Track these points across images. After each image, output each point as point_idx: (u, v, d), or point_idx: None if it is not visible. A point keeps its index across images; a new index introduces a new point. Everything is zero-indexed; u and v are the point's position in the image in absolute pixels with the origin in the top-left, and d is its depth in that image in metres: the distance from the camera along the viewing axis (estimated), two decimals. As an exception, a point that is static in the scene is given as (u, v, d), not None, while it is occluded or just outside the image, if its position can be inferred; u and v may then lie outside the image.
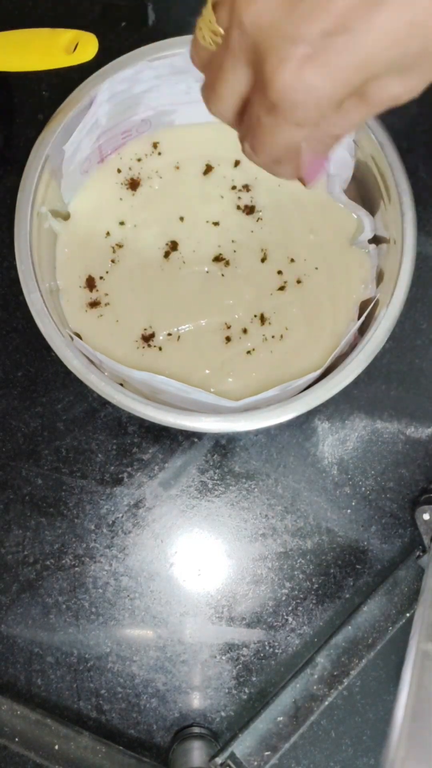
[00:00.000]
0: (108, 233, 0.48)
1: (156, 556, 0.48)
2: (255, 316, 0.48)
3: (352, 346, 0.45)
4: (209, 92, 0.28)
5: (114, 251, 0.48)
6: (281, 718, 0.43)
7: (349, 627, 0.45)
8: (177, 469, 0.49)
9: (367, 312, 0.46)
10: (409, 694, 0.33)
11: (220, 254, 0.48)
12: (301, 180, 0.31)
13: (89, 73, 0.44)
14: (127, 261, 0.48)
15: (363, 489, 0.49)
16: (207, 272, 0.48)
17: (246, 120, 0.27)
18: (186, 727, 0.47)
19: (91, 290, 0.48)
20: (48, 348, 0.43)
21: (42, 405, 0.49)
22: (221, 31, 0.26)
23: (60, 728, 0.44)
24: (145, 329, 0.47)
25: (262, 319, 0.48)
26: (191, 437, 0.49)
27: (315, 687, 0.43)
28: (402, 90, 0.25)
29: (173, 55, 0.45)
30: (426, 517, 0.46)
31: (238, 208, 0.49)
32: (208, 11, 0.26)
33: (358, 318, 0.47)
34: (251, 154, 0.28)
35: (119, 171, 0.49)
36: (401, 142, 0.45)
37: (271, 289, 0.48)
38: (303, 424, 0.49)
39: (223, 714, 0.47)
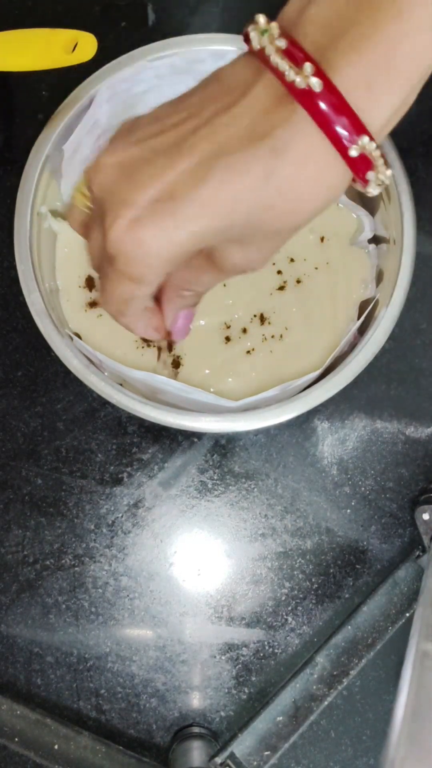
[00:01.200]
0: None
1: (156, 556, 0.48)
2: (255, 315, 0.48)
3: (352, 346, 0.45)
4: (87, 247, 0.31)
5: (114, 251, 0.48)
6: (281, 718, 0.43)
7: (349, 627, 0.45)
8: (177, 469, 0.49)
9: (367, 312, 0.46)
10: (409, 694, 0.33)
11: (220, 254, 0.48)
12: (170, 335, 0.33)
13: (89, 73, 0.44)
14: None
15: (363, 489, 0.49)
16: (207, 272, 0.48)
17: (100, 272, 0.30)
18: (186, 726, 0.47)
19: (90, 290, 0.48)
20: (48, 348, 0.43)
21: (42, 405, 0.49)
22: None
23: (60, 728, 0.44)
24: (144, 329, 0.47)
25: (262, 319, 0.48)
26: (191, 437, 0.49)
27: (315, 687, 0.44)
28: (243, 260, 0.28)
29: (173, 55, 0.45)
30: (426, 517, 0.46)
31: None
32: (81, 179, 0.29)
33: (358, 318, 0.47)
34: (103, 305, 0.31)
35: (119, 171, 0.49)
36: (401, 142, 0.45)
37: (270, 289, 0.48)
38: (303, 424, 0.49)
39: (222, 714, 0.47)
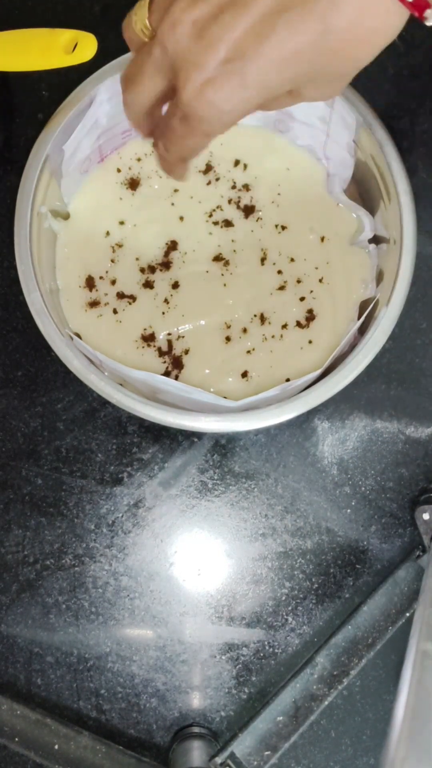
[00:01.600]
0: (108, 233, 0.49)
1: (156, 555, 0.48)
2: (255, 315, 0.48)
3: (352, 346, 0.45)
4: (128, 84, 0.32)
5: (114, 251, 0.48)
6: (281, 718, 0.43)
7: (349, 627, 0.45)
8: (177, 469, 0.49)
9: (367, 312, 0.46)
10: (409, 694, 0.33)
11: (220, 254, 0.48)
12: None
13: (89, 73, 0.44)
14: (126, 261, 0.48)
15: (363, 489, 0.49)
16: (207, 272, 0.48)
17: (162, 123, 0.31)
18: (186, 726, 0.47)
19: (90, 290, 0.48)
20: (48, 348, 0.43)
21: (42, 405, 0.49)
22: (150, 29, 0.30)
23: (60, 728, 0.44)
24: (144, 329, 0.48)
25: (262, 318, 0.48)
26: (191, 437, 0.49)
27: (315, 687, 0.44)
28: (317, 94, 0.30)
29: (173, 55, 0.45)
30: (426, 516, 0.46)
31: (238, 207, 0.49)
32: (142, 8, 0.31)
33: (358, 318, 0.47)
34: (163, 153, 0.33)
35: (119, 171, 0.49)
36: (401, 142, 0.45)
37: (270, 288, 0.48)
38: (303, 423, 0.49)
39: (222, 714, 0.47)
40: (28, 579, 0.48)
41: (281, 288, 0.48)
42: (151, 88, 0.31)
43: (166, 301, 0.48)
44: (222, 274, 0.48)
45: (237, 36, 0.27)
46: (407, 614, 0.45)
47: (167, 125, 0.31)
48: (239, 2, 0.27)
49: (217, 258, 0.48)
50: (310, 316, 0.48)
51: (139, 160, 0.49)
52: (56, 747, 0.43)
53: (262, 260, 0.48)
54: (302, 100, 0.31)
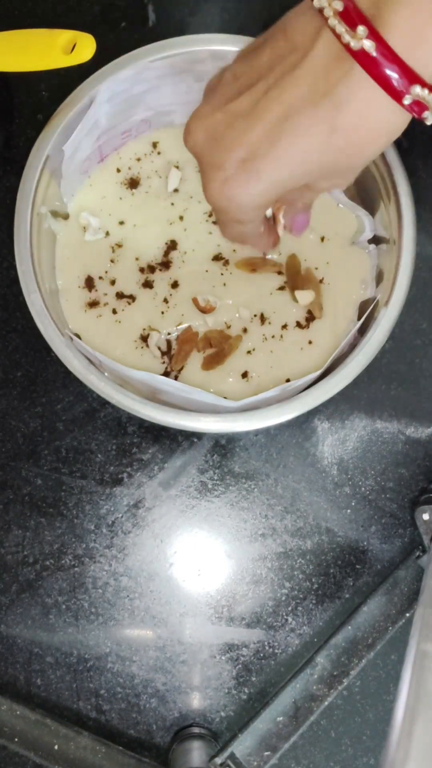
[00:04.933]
0: (107, 233, 0.49)
1: (156, 556, 0.48)
2: (255, 315, 0.48)
3: (352, 347, 0.45)
4: None
5: (113, 251, 0.48)
6: (281, 718, 0.43)
7: (349, 627, 0.45)
8: (177, 469, 0.49)
9: (368, 313, 0.46)
10: (409, 694, 0.33)
11: (220, 253, 0.48)
12: (290, 232, 0.41)
13: (89, 73, 0.44)
14: (126, 261, 0.48)
15: (363, 489, 0.49)
16: (206, 272, 0.48)
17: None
18: (186, 727, 0.47)
19: (90, 290, 0.48)
20: (48, 348, 0.43)
21: (42, 405, 0.49)
22: None
23: (60, 728, 0.44)
24: (144, 329, 0.47)
25: (262, 318, 0.48)
26: (191, 437, 0.49)
27: (315, 687, 0.43)
28: (330, 186, 0.33)
29: (173, 56, 0.45)
30: (426, 517, 0.46)
31: (238, 208, 0.49)
32: None
33: (359, 318, 0.47)
34: (226, 238, 0.37)
35: (119, 171, 0.49)
36: (401, 142, 0.45)
37: (270, 288, 0.48)
38: (303, 424, 0.49)
39: (222, 714, 0.47)
40: (27, 579, 0.48)
41: (281, 288, 0.48)
42: None
43: (165, 300, 0.48)
44: (222, 274, 0.48)
45: (251, 139, 0.30)
46: (407, 614, 0.45)
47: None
48: (253, 111, 0.30)
49: (217, 257, 0.48)
50: (310, 317, 0.48)
51: (138, 160, 0.49)
52: (56, 747, 0.43)
53: (262, 260, 0.48)
54: (317, 191, 0.34)
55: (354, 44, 0.26)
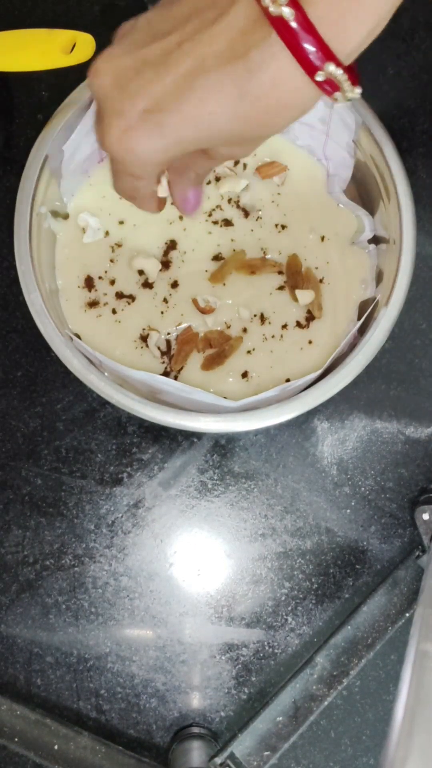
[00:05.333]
0: (107, 233, 0.49)
1: (155, 556, 0.48)
2: (255, 315, 0.48)
3: (352, 347, 0.45)
4: None
5: (113, 251, 0.48)
6: (281, 718, 0.43)
7: (349, 627, 0.45)
8: (176, 469, 0.49)
9: (368, 313, 0.46)
10: (409, 694, 0.33)
11: (220, 253, 0.48)
12: (180, 209, 0.37)
13: (89, 73, 0.44)
14: (126, 260, 0.48)
15: (362, 489, 0.49)
16: (206, 271, 0.48)
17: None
18: (185, 727, 0.47)
19: (90, 290, 0.48)
20: (48, 348, 0.43)
21: (42, 405, 0.49)
22: None
23: (60, 728, 0.44)
24: (143, 329, 0.48)
25: (262, 318, 0.48)
26: (191, 437, 0.49)
27: (314, 687, 0.43)
28: (229, 155, 0.32)
29: (173, 55, 0.45)
30: (425, 517, 0.46)
31: (238, 207, 0.49)
32: None
33: (359, 319, 0.47)
34: (117, 192, 0.35)
35: (119, 171, 0.49)
36: (401, 142, 0.45)
37: (270, 288, 0.48)
38: (302, 424, 0.49)
39: (222, 714, 0.47)
40: (27, 579, 0.48)
41: (281, 288, 0.48)
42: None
43: (165, 300, 0.48)
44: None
45: (157, 90, 0.28)
46: (407, 614, 0.45)
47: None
48: (163, 60, 0.28)
49: (217, 257, 0.48)
50: (310, 317, 0.48)
51: (138, 160, 0.49)
52: (56, 747, 0.43)
53: (262, 260, 0.48)
54: (215, 159, 0.33)
55: (273, 9, 0.25)
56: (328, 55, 0.26)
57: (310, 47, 0.26)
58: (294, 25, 0.25)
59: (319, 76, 0.26)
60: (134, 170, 0.31)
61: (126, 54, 0.29)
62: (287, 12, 0.25)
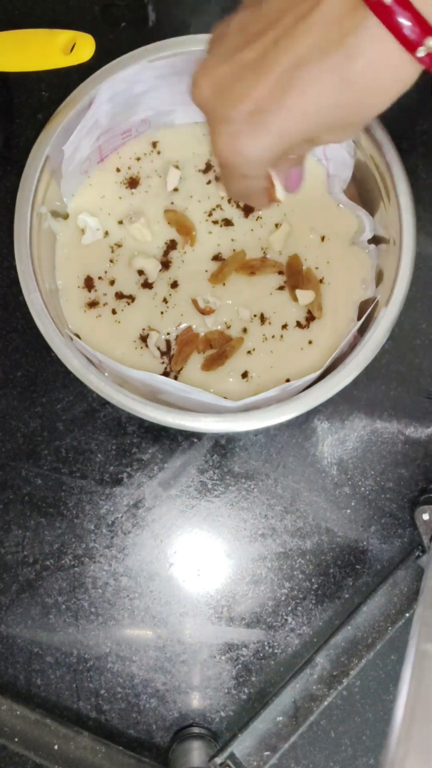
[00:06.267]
0: (107, 233, 0.49)
1: (155, 556, 0.48)
2: (255, 315, 0.48)
3: (352, 347, 0.45)
4: None
5: (113, 251, 0.48)
6: (281, 718, 0.43)
7: (349, 627, 0.45)
8: (176, 469, 0.49)
9: (368, 313, 0.46)
10: (409, 694, 0.33)
11: (220, 253, 0.48)
12: (284, 188, 0.38)
13: (89, 73, 0.44)
14: (125, 261, 0.48)
15: (362, 489, 0.49)
16: (206, 271, 0.48)
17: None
18: (185, 727, 0.47)
19: (89, 290, 0.48)
20: (48, 348, 0.43)
21: (42, 405, 0.49)
22: None
23: (60, 728, 0.44)
24: (143, 329, 0.48)
25: (262, 318, 0.48)
26: (191, 437, 0.49)
27: (314, 687, 0.43)
28: (334, 139, 0.32)
29: (173, 56, 0.45)
30: (425, 517, 0.46)
31: (238, 207, 0.49)
32: None
33: (359, 319, 0.47)
34: (230, 196, 0.37)
35: (118, 170, 0.49)
36: (401, 142, 0.45)
37: (270, 288, 0.48)
38: (302, 424, 0.49)
39: (222, 714, 0.47)
40: (27, 579, 0.48)
41: (281, 288, 0.48)
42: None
43: (165, 300, 0.48)
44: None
45: (259, 92, 0.29)
46: (407, 614, 0.45)
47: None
48: (261, 61, 0.29)
49: (217, 257, 0.48)
50: (310, 317, 0.48)
51: (138, 159, 0.49)
52: (56, 747, 0.43)
53: (262, 260, 0.48)
54: (319, 144, 0.33)
55: None
56: (425, 28, 0.26)
57: (407, 23, 0.26)
58: (389, 2, 0.25)
59: (421, 52, 0.26)
60: (245, 170, 0.32)
61: (222, 62, 0.30)
62: None
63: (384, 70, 0.27)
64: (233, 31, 0.31)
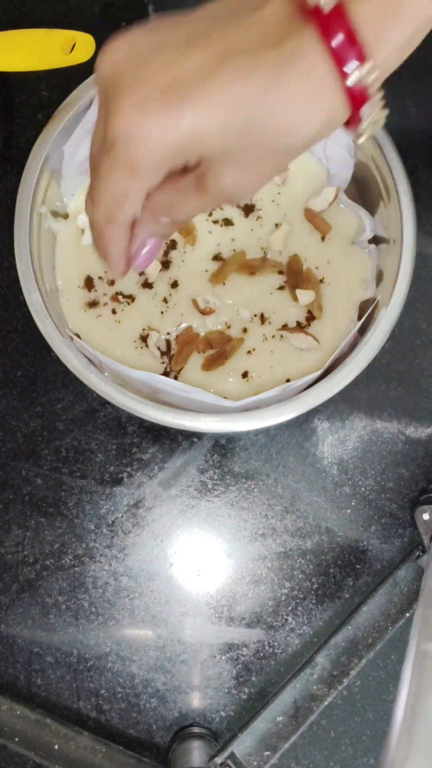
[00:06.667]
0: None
1: (156, 556, 0.48)
2: (255, 315, 0.48)
3: (352, 347, 0.45)
4: None
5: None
6: (281, 718, 0.43)
7: (349, 627, 0.45)
8: (177, 469, 0.49)
9: (368, 313, 0.46)
10: (409, 694, 0.33)
11: (220, 253, 0.48)
12: (130, 261, 0.32)
13: (89, 73, 0.44)
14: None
15: (363, 489, 0.49)
16: (206, 271, 0.48)
17: (93, 170, 0.29)
18: (186, 726, 0.47)
19: (89, 290, 0.48)
20: (48, 348, 0.43)
21: (42, 405, 0.49)
22: None
23: (60, 728, 0.44)
24: (143, 329, 0.48)
25: (262, 318, 0.48)
26: (191, 437, 0.49)
27: (315, 687, 0.43)
28: (233, 183, 0.28)
29: (173, 55, 0.45)
30: (426, 517, 0.46)
31: (238, 206, 0.49)
32: None
33: (359, 319, 0.47)
34: (90, 207, 0.30)
35: (119, 171, 0.49)
36: (401, 142, 0.45)
37: (271, 288, 0.48)
38: (303, 424, 0.49)
39: (222, 714, 0.47)
40: (28, 579, 0.48)
41: (281, 288, 0.48)
42: (95, 137, 0.29)
43: (165, 300, 0.48)
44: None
45: (181, 68, 0.25)
46: (407, 614, 0.45)
47: (93, 169, 0.29)
48: (190, 41, 0.26)
49: (217, 257, 0.48)
50: (310, 317, 0.48)
51: (138, 160, 0.49)
52: (56, 747, 0.43)
53: (263, 260, 0.48)
54: (210, 194, 0.29)
55: (310, 1, 0.25)
56: (360, 55, 0.25)
57: (344, 42, 0.25)
58: (329, 19, 0.25)
59: (352, 78, 0.25)
60: (137, 156, 0.26)
61: (146, 33, 0.27)
62: (323, 2, 0.25)
63: (312, 87, 0.25)
64: (168, 18, 0.27)
